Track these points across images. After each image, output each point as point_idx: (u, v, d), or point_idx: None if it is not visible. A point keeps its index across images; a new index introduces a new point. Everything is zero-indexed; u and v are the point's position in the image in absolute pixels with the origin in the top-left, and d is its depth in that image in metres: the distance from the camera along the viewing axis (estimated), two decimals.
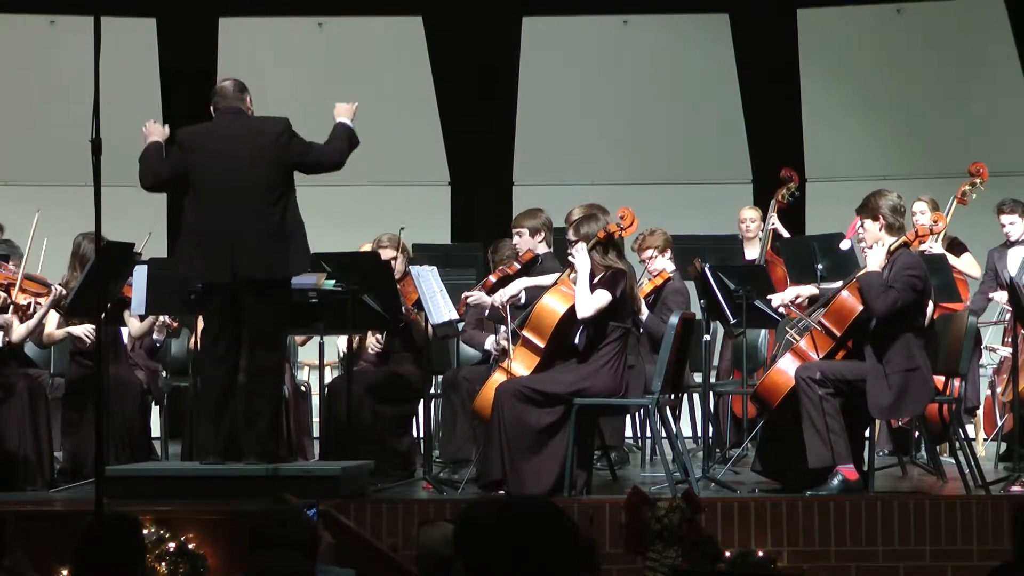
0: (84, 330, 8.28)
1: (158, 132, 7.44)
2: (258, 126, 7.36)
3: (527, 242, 8.80)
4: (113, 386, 7.96)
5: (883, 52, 12.75)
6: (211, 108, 7.47)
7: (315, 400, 9.55)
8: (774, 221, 10.67)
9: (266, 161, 7.21)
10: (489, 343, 8.66)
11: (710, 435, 9.31)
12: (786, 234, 10.67)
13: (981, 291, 9.80)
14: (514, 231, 8.91)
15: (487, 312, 8.74)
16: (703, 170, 12.78)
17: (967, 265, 9.80)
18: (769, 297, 8.19)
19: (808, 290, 8.00)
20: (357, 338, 8.72)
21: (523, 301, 7.99)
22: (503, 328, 8.14)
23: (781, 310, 8.00)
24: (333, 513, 6.58)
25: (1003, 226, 9.79)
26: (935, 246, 9.45)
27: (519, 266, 8.79)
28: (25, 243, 8.92)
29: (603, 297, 7.48)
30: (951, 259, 9.66)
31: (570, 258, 7.66)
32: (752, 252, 10.66)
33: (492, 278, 8.85)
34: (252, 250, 7.13)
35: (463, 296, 8.71)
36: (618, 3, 12.99)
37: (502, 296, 8.03)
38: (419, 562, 5.64)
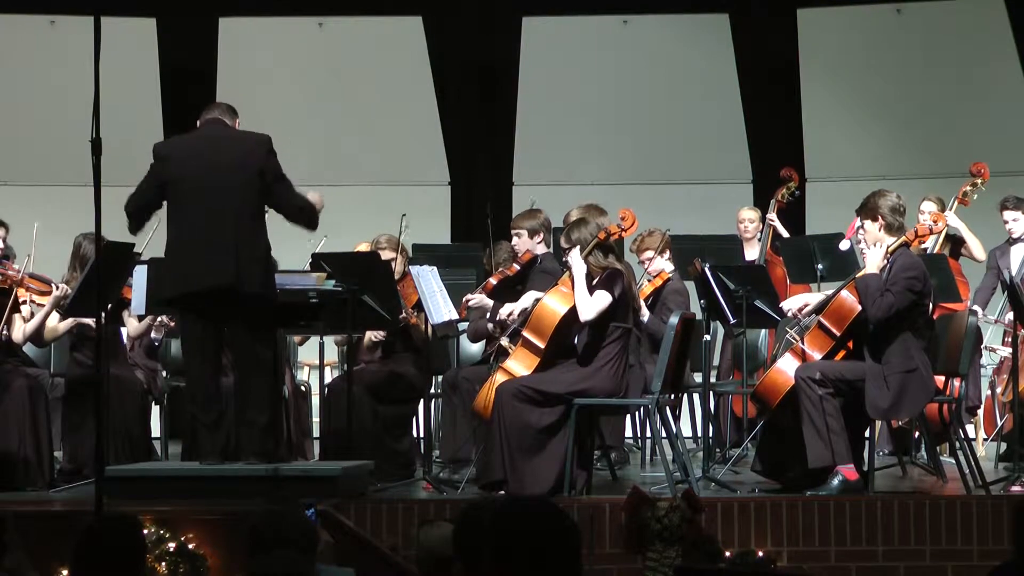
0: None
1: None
2: (242, 138, 7.35)
3: (526, 243, 8.80)
4: (113, 386, 7.95)
5: (883, 52, 12.75)
6: (197, 120, 7.46)
7: (315, 400, 9.55)
8: (773, 217, 10.67)
9: (250, 172, 7.18)
10: (490, 326, 8.65)
11: (710, 435, 9.31)
12: (784, 233, 10.67)
13: (983, 286, 9.81)
14: (513, 232, 8.91)
15: (488, 315, 8.74)
16: (703, 170, 12.78)
17: (976, 248, 9.82)
18: (782, 305, 8.16)
19: (816, 297, 7.96)
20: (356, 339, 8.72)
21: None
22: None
23: (790, 315, 7.99)
24: (333, 513, 6.58)
25: (1006, 223, 9.81)
26: (951, 217, 9.51)
27: (518, 267, 8.79)
28: (24, 243, 8.94)
29: (604, 298, 7.48)
30: (964, 232, 9.70)
31: (566, 262, 7.66)
32: (752, 252, 10.67)
33: (493, 280, 8.85)
34: (238, 262, 7.09)
35: (464, 300, 8.70)
36: (618, 3, 13.00)
37: (513, 311, 8.03)
38: (419, 562, 5.63)
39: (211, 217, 7.13)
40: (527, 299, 8.06)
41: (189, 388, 7.47)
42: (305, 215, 7.36)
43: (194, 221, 7.16)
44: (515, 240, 8.86)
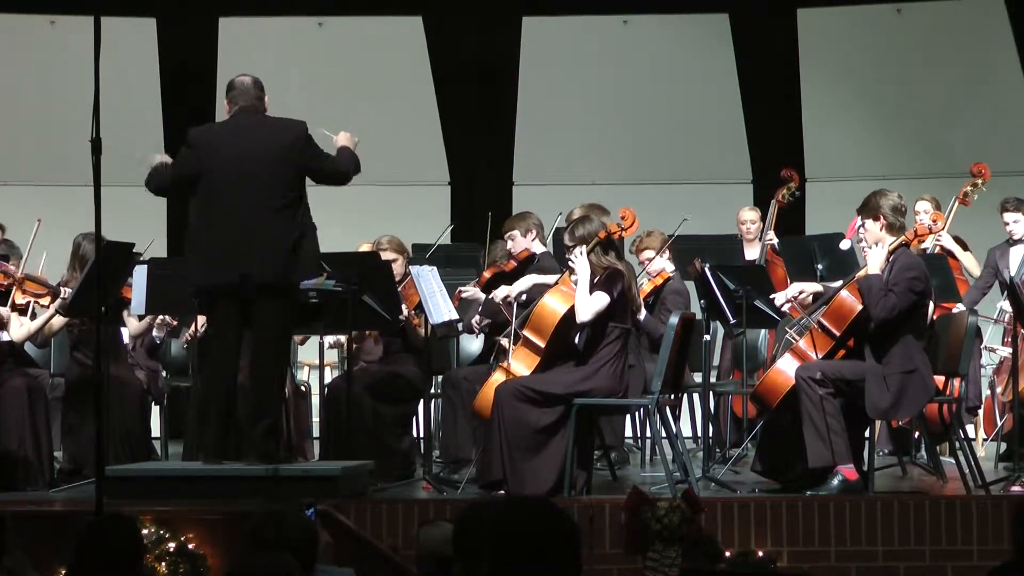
0: None
1: (162, 158, 7.42)
2: (276, 126, 7.31)
3: (520, 242, 8.83)
4: (113, 386, 7.94)
5: (883, 52, 12.75)
6: (227, 103, 7.42)
7: (315, 400, 9.55)
8: (771, 237, 10.62)
9: (283, 162, 7.16)
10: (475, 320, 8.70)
11: (710, 435, 9.32)
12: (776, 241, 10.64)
13: (977, 286, 9.79)
14: (506, 236, 8.92)
15: (480, 307, 8.76)
16: (703, 170, 12.78)
17: (970, 262, 9.80)
18: (772, 296, 8.17)
19: (812, 286, 7.97)
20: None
21: (524, 299, 8.02)
22: (487, 321, 8.21)
23: (785, 308, 7.99)
24: (333, 513, 6.58)
25: (1006, 224, 9.79)
26: (944, 238, 9.49)
27: (515, 263, 8.80)
28: (24, 244, 8.94)
29: (601, 300, 7.48)
30: (957, 252, 9.68)
31: (570, 263, 7.65)
32: (752, 252, 10.66)
33: (486, 274, 8.87)
34: (267, 253, 7.08)
35: (457, 291, 8.71)
36: (618, 3, 13.00)
37: (510, 292, 8.05)
38: (419, 562, 5.64)
39: (240, 209, 7.11)
40: (525, 282, 8.07)
41: (205, 379, 7.45)
42: (351, 166, 7.35)
43: (223, 212, 7.14)
44: (509, 243, 8.89)
